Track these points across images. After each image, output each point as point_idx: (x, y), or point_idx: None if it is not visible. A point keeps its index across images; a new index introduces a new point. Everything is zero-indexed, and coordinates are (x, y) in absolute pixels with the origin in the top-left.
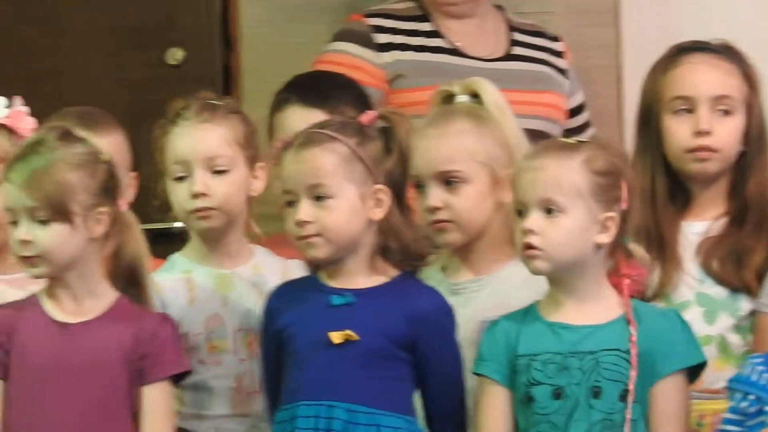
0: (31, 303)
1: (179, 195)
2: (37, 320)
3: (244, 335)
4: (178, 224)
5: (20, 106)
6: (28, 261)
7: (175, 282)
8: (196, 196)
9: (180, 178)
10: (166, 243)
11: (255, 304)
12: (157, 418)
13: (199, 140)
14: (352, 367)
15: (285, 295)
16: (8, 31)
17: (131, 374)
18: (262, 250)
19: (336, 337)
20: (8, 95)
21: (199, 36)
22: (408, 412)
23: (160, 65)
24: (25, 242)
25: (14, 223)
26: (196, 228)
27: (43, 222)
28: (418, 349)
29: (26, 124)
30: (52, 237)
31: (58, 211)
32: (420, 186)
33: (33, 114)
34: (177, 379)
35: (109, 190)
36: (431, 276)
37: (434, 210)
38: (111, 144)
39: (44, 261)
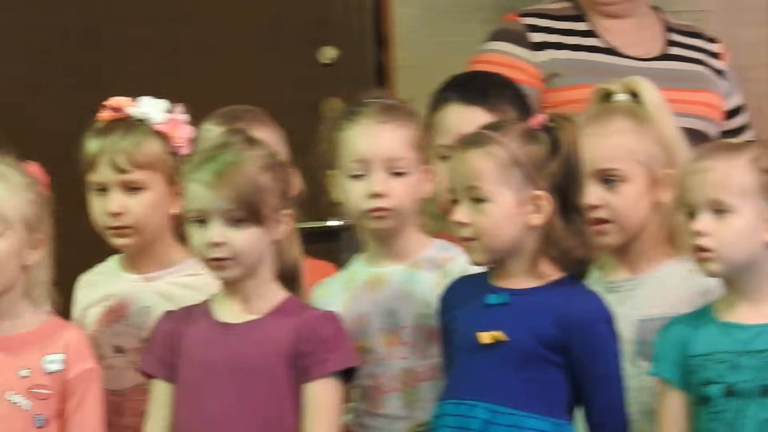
0: (201, 306)
1: (356, 193)
2: (204, 322)
3: (384, 334)
4: (332, 222)
5: (180, 114)
6: (217, 263)
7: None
8: (374, 196)
9: (356, 176)
10: (317, 242)
11: (403, 303)
12: (320, 414)
13: (380, 140)
14: (499, 368)
15: (457, 289)
16: (164, 29)
17: (295, 372)
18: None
19: (484, 337)
20: (163, 94)
21: (352, 35)
22: (558, 415)
23: (312, 64)
24: (218, 244)
25: (200, 223)
26: (370, 227)
27: (237, 223)
28: (571, 353)
29: (183, 132)
30: (245, 239)
31: (252, 213)
32: None
33: (188, 113)
34: (347, 375)
35: (287, 191)
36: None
37: (593, 208)
38: (265, 142)
39: (236, 263)
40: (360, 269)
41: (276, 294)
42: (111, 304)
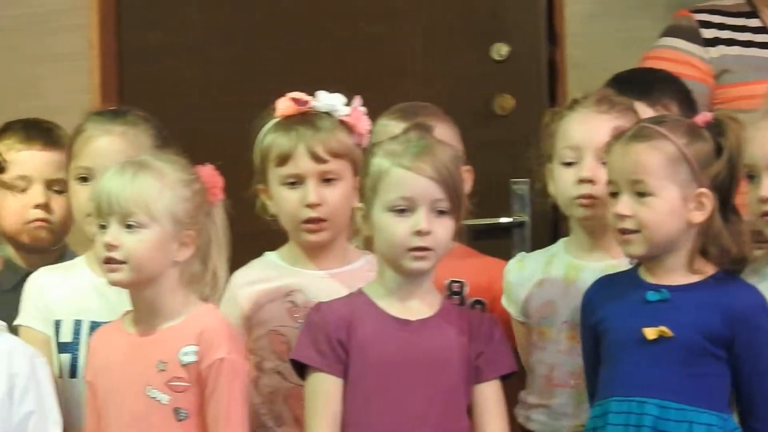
0: (361, 300)
1: (566, 180)
2: (374, 317)
3: (568, 328)
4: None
5: (359, 106)
6: (421, 253)
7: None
8: (582, 181)
9: (568, 164)
10: (489, 238)
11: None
12: (495, 415)
13: (594, 129)
14: (665, 364)
15: (603, 288)
16: (336, 26)
17: (469, 372)
18: None
19: (650, 333)
20: (344, 91)
21: (524, 31)
22: (722, 409)
23: (485, 60)
24: (426, 233)
25: (400, 212)
26: (576, 215)
27: (440, 214)
28: (734, 348)
29: (364, 123)
30: (446, 230)
31: (456, 205)
32: (752, 176)
33: (368, 107)
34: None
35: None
36: None
37: (765, 202)
38: (442, 137)
39: (434, 254)
40: (560, 256)
41: (436, 293)
42: (296, 299)
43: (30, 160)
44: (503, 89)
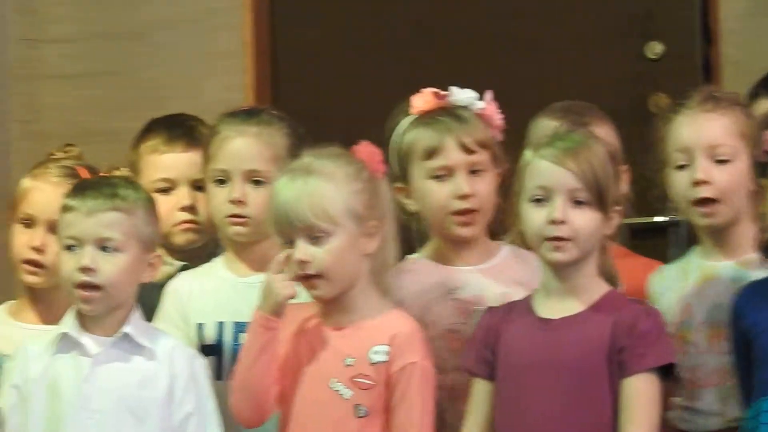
0: (522, 302)
1: (680, 183)
2: (523, 318)
3: (706, 327)
4: (659, 218)
5: (491, 101)
6: (556, 244)
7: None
8: (698, 183)
9: (681, 167)
10: (645, 237)
11: (725, 299)
12: (639, 410)
13: (702, 128)
14: None
15: (753, 293)
16: (500, 26)
17: (612, 367)
18: None
19: None
20: (499, 91)
21: (678, 29)
22: None
23: (639, 59)
24: (560, 222)
25: (537, 202)
26: (697, 223)
27: (579, 204)
28: None
29: (498, 119)
30: (585, 221)
31: (596, 196)
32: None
33: (522, 107)
34: (666, 371)
35: (620, 186)
36: None
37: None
38: (600, 136)
39: (574, 245)
40: (694, 261)
41: (599, 287)
42: (460, 296)
43: (173, 163)
44: (658, 88)
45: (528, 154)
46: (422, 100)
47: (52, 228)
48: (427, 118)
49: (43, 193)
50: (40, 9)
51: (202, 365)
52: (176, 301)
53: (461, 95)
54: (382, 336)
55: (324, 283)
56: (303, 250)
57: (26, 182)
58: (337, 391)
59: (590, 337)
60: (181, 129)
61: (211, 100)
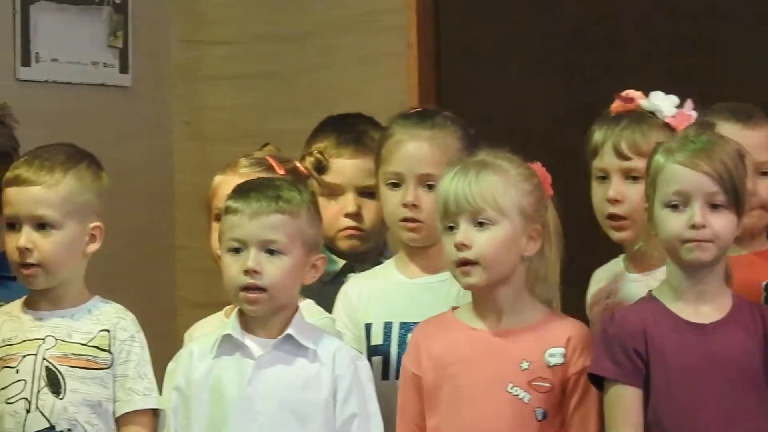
0: (653, 306)
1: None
2: (670, 323)
3: None
4: None
5: (689, 110)
6: (699, 245)
7: None
8: None
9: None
10: None
11: None
12: None
13: None
14: None
15: None
16: (680, 26)
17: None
18: None
19: None
20: (667, 90)
21: None
22: None
23: None
24: (701, 227)
25: (674, 207)
26: None
27: (718, 207)
28: None
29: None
30: (724, 223)
31: (735, 199)
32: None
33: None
34: None
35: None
36: None
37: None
38: (764, 139)
39: (713, 246)
40: None
41: (726, 288)
42: (609, 301)
43: (341, 169)
44: None
45: (660, 159)
46: (617, 102)
47: None
48: (608, 119)
49: (232, 185)
50: (202, 11)
51: (366, 366)
52: (346, 304)
53: (651, 101)
54: (556, 338)
55: (479, 271)
56: (465, 233)
57: (217, 178)
58: (516, 395)
59: (746, 342)
60: (351, 134)
61: (373, 102)
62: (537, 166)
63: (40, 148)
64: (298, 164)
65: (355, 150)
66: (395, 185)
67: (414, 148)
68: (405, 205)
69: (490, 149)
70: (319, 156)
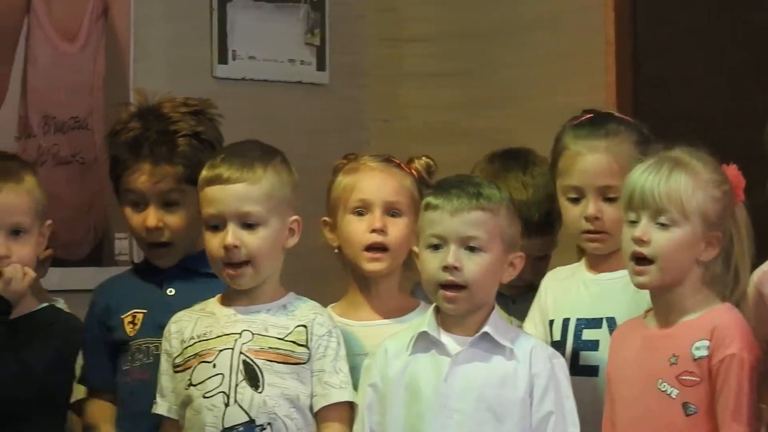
0: None
1: None
2: None
3: None
4: None
5: None
6: None
7: None
8: None
9: None
10: None
11: None
12: None
13: None
14: None
15: None
16: None
17: None
18: None
19: None
20: None
21: None
22: None
23: None
24: None
25: None
26: None
27: None
28: None
29: None
30: None
31: None
32: (577, 198)
33: None
34: None
35: None
36: None
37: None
38: None
39: None
40: None
41: None
42: None
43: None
44: None
45: None
46: None
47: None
48: None
49: (370, 179)
50: (398, 8)
51: (562, 364)
52: (538, 300)
53: None
54: (703, 331)
55: (653, 270)
56: (644, 228)
57: (345, 179)
58: (664, 391)
59: None
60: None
61: (567, 100)
62: (731, 170)
63: (231, 146)
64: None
65: None
66: (575, 199)
67: (592, 162)
68: (587, 219)
69: (687, 147)
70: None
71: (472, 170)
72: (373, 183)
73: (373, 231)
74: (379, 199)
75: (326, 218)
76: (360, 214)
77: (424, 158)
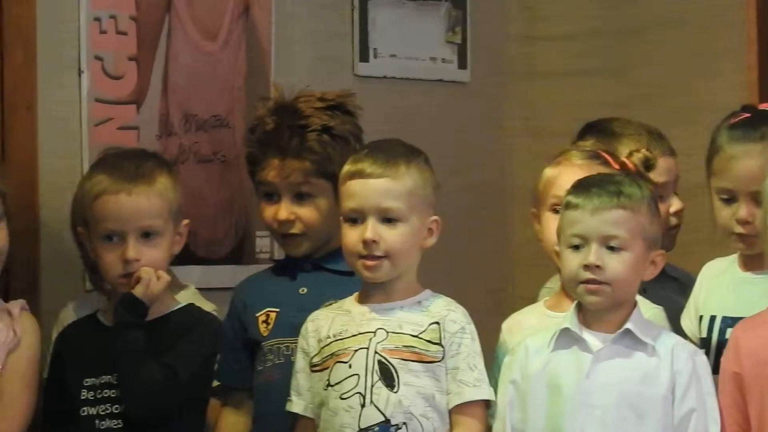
0: None
1: None
2: None
3: None
4: None
5: None
6: None
7: None
8: None
9: None
10: None
11: None
12: None
13: None
14: None
15: None
16: None
17: None
18: None
19: None
20: None
21: None
22: None
23: None
24: None
25: None
26: None
27: None
28: None
29: None
30: None
31: None
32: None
33: None
34: None
35: None
36: None
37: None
38: None
39: None
40: None
41: None
42: None
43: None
44: None
45: None
46: None
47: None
48: None
49: (570, 176)
50: (538, 7)
51: (704, 361)
52: (693, 294)
53: None
54: None
55: None
56: None
57: (548, 170)
58: None
59: None
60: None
61: (708, 99)
62: None
63: (376, 142)
64: (626, 161)
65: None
66: (727, 200)
67: (746, 167)
68: (738, 221)
69: None
70: (647, 153)
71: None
72: (572, 179)
73: None
74: None
75: (533, 209)
76: (556, 212)
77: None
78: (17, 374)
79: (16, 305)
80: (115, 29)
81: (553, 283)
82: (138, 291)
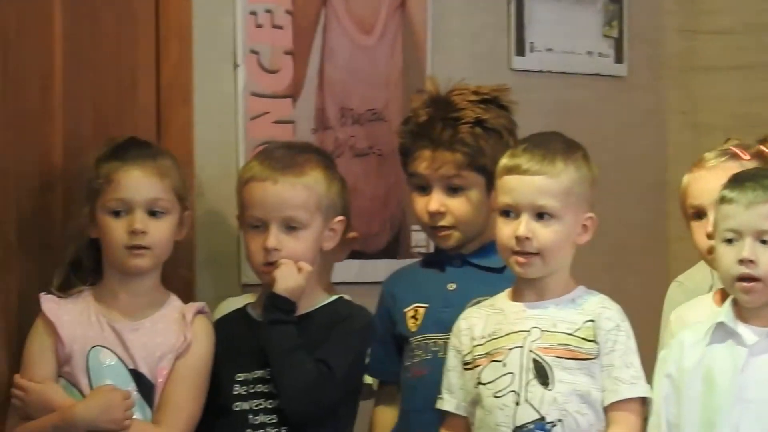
0: None
1: None
2: None
3: None
4: None
5: None
6: None
7: None
8: None
9: None
10: None
11: None
12: None
13: None
14: None
15: None
16: None
17: None
18: None
19: None
20: None
21: None
22: None
23: None
24: None
25: None
26: None
27: None
28: None
29: None
30: None
31: None
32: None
33: None
34: None
35: None
36: None
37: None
38: None
39: None
40: None
41: None
42: None
43: None
44: None
45: None
46: None
47: None
48: None
49: (703, 180)
50: (700, 0)
51: None
52: None
53: None
54: None
55: None
56: None
57: (685, 178)
58: None
59: None
60: None
61: None
62: None
63: (535, 136)
64: (763, 148)
65: None
66: None
67: None
68: None
69: None
70: None
71: None
72: (702, 185)
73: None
74: (709, 202)
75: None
76: (697, 218)
77: None
78: (184, 381)
79: (192, 309)
80: (271, 23)
81: (684, 278)
82: (278, 288)
